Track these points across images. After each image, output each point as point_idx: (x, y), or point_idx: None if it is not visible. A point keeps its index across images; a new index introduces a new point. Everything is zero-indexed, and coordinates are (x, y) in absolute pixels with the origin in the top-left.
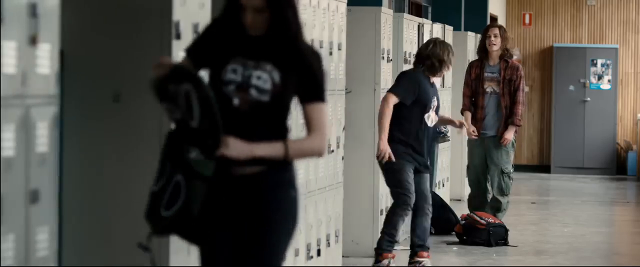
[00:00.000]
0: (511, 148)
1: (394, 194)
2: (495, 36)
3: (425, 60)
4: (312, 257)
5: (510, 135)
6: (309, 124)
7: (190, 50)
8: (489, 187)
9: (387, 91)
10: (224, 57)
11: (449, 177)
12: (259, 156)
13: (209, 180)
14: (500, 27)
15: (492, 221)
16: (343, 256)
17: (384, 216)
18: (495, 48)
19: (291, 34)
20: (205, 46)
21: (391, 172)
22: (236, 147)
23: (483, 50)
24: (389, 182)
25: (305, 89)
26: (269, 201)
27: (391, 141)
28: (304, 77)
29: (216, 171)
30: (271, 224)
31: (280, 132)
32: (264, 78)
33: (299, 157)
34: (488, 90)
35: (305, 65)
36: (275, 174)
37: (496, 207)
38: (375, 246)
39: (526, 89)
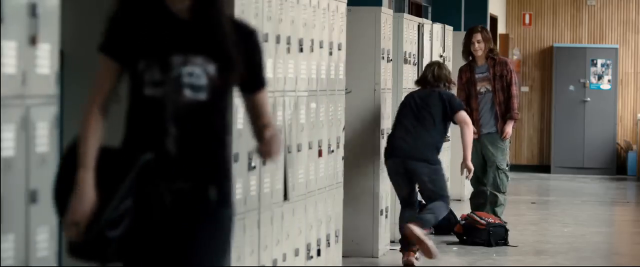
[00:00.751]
0: (507, 145)
1: (441, 198)
2: (478, 42)
3: (439, 82)
4: (312, 257)
5: (509, 128)
6: (260, 113)
7: (107, 47)
8: (501, 187)
9: (461, 110)
10: (146, 52)
11: (449, 177)
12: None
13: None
14: (482, 30)
15: (492, 221)
16: (343, 256)
17: (384, 216)
18: (479, 53)
19: (219, 12)
20: (124, 39)
21: (442, 178)
22: (278, 145)
23: (468, 53)
24: (438, 187)
25: (253, 77)
26: (203, 220)
27: (437, 149)
28: (250, 64)
29: (147, 188)
30: (203, 246)
31: (221, 133)
32: (197, 73)
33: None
34: (482, 90)
35: (250, 51)
36: (216, 190)
37: (493, 202)
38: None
39: (526, 89)
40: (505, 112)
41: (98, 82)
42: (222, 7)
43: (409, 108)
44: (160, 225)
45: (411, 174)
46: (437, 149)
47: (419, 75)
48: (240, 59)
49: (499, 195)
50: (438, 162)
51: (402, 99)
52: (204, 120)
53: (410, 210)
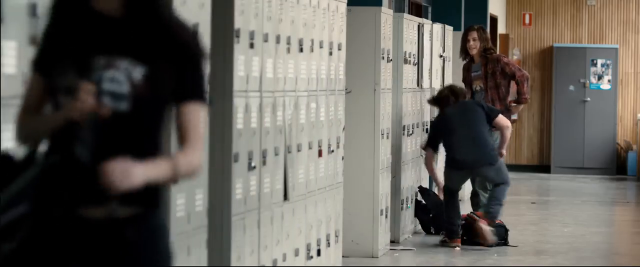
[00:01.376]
0: None
1: (505, 183)
2: (474, 40)
3: (458, 97)
4: (312, 257)
5: (515, 109)
6: (184, 133)
7: (36, 63)
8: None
9: (500, 114)
10: (66, 55)
11: None
12: (146, 180)
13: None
14: (478, 29)
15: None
16: (343, 256)
17: (383, 216)
18: (474, 51)
19: (156, 6)
20: (53, 53)
21: (504, 167)
22: (120, 172)
23: (464, 52)
24: (501, 177)
25: (182, 83)
26: (137, 259)
27: (494, 147)
28: (181, 67)
29: (59, 214)
30: None
31: (148, 153)
32: (118, 79)
33: (181, 179)
34: (477, 89)
35: (182, 51)
36: (144, 220)
37: (475, 203)
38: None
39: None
40: (502, 108)
41: (24, 102)
42: (159, 2)
43: (454, 120)
44: (58, 247)
45: (478, 177)
46: (494, 148)
47: (435, 96)
48: (171, 65)
49: (483, 195)
50: (498, 158)
51: (435, 120)
52: (125, 136)
53: (454, 200)
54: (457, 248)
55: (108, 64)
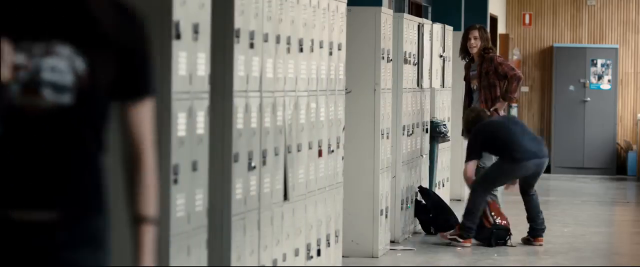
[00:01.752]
0: None
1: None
2: (475, 38)
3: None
4: (312, 257)
5: (498, 105)
6: (133, 136)
7: None
8: None
9: None
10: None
11: (449, 177)
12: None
13: None
14: (479, 28)
15: (499, 222)
16: (343, 256)
17: (383, 216)
18: (474, 50)
19: None
20: None
21: None
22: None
23: (464, 50)
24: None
25: (128, 77)
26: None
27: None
28: (128, 60)
29: None
30: None
31: (91, 152)
32: (60, 68)
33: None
34: (474, 88)
35: (131, 43)
36: (78, 226)
37: None
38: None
39: (526, 89)
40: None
41: None
42: None
43: (503, 123)
44: None
45: (532, 172)
46: None
47: (467, 125)
48: (117, 52)
49: None
50: None
51: (478, 128)
52: (67, 133)
53: (484, 198)
54: (460, 248)
55: (48, 51)
